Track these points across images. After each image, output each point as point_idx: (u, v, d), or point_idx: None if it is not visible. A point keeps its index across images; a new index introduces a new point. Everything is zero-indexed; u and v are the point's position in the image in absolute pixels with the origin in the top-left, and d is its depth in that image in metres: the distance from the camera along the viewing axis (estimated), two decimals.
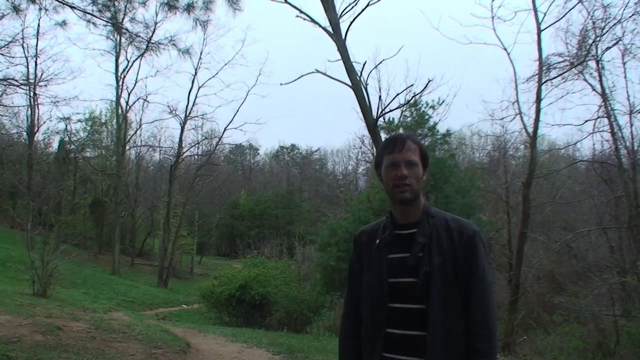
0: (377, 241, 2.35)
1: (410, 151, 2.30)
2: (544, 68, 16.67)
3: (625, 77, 16.81)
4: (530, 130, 17.13)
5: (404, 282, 2.23)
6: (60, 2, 7.87)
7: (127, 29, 8.50)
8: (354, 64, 12.88)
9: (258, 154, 76.22)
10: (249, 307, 18.06)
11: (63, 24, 8.64)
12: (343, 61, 12.69)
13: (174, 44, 8.91)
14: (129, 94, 37.63)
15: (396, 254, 2.28)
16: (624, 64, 16.70)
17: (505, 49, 17.57)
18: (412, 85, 19.75)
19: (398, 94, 14.12)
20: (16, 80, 18.50)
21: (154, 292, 27.52)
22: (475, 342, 2.11)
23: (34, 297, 12.34)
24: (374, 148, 19.25)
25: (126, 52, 35.16)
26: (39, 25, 29.57)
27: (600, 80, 16.69)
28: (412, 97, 18.27)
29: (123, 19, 8.61)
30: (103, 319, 9.60)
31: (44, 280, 12.96)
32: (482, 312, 2.14)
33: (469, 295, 2.17)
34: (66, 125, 39.45)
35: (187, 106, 38.17)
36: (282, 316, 17.24)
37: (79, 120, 40.18)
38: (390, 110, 13.88)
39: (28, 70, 30.53)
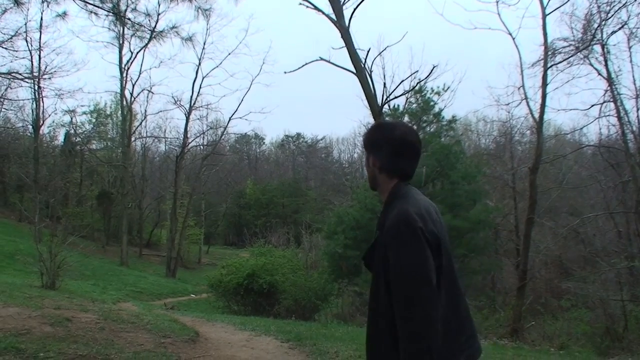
0: None
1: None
2: (550, 53, 16.56)
3: (631, 61, 16.76)
4: (537, 115, 17.05)
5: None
6: None
7: (129, 19, 8.47)
8: (358, 51, 12.85)
9: (263, 143, 76.32)
10: (256, 296, 18.12)
11: (63, 14, 8.62)
12: (347, 48, 12.66)
13: (176, 32, 8.89)
14: (133, 86, 37.62)
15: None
16: (630, 48, 16.64)
17: (510, 34, 17.45)
18: (417, 71, 19.72)
19: (403, 81, 14.18)
20: (20, 74, 18.52)
21: (162, 282, 27.64)
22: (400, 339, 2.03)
23: (43, 289, 12.39)
24: None
25: (129, 43, 35.12)
26: (41, 19, 29.53)
27: (606, 65, 16.61)
28: (417, 83, 18.24)
29: (125, 10, 8.59)
30: (112, 309, 9.64)
31: (53, 272, 13.00)
32: (396, 314, 2.04)
33: None
34: (71, 118, 39.60)
35: (191, 96, 38.16)
36: (290, 304, 17.29)
37: (84, 113, 40.31)
38: (395, 97, 13.94)
39: (32, 64, 30.63)
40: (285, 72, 14.02)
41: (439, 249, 2.12)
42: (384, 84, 14.76)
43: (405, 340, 1.99)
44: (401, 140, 2.28)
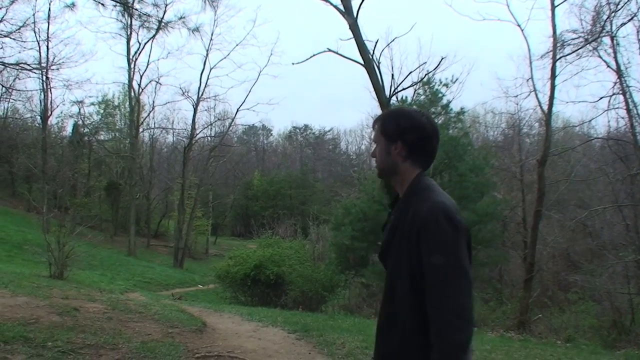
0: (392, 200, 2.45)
1: (374, 132, 2.35)
2: (558, 44, 16.46)
3: None
4: (545, 107, 16.97)
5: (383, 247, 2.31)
6: None
7: (137, 9, 8.47)
8: (366, 42, 12.82)
9: (271, 134, 76.30)
10: (264, 287, 18.17)
11: (72, 5, 8.63)
12: (355, 40, 12.63)
13: (184, 23, 8.89)
14: (141, 77, 37.63)
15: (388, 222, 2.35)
16: (639, 40, 16.48)
17: (519, 26, 17.39)
18: (425, 63, 19.67)
19: (411, 72, 14.17)
20: (29, 65, 18.47)
21: (169, 273, 27.76)
22: (432, 338, 2.01)
23: (51, 279, 12.46)
24: None
25: (137, 34, 35.08)
26: (49, 9, 29.48)
27: (615, 57, 16.45)
28: (425, 75, 18.23)
29: (133, 0, 8.58)
30: (120, 299, 9.69)
31: (61, 262, 13.07)
32: (432, 304, 2.03)
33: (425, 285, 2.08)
34: (79, 109, 39.64)
35: (199, 88, 38.17)
36: (297, 295, 17.34)
37: (92, 104, 40.31)
38: (403, 89, 13.92)
39: (40, 55, 30.53)
40: (293, 64, 14.08)
41: (469, 241, 2.14)
42: (392, 75, 14.79)
43: (446, 331, 1.98)
44: (431, 128, 2.27)
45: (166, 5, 10.10)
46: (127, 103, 39.42)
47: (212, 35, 36.19)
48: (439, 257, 2.03)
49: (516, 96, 19.90)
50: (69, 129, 42.48)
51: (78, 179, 39.92)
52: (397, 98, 19.60)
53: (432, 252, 2.04)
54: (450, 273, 2.02)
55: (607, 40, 16.56)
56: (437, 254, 2.04)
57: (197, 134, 40.72)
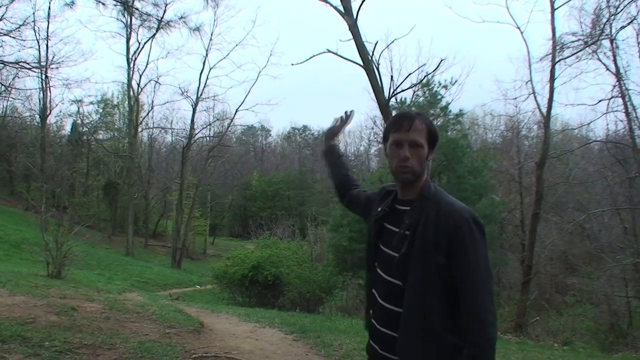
0: (379, 209, 2.42)
1: (417, 132, 2.24)
2: (558, 47, 16.51)
3: (639, 56, 16.62)
4: (544, 110, 17.01)
5: (388, 253, 2.28)
6: None
7: (137, 9, 8.46)
8: (365, 44, 12.83)
9: (270, 135, 76.49)
10: (261, 288, 18.17)
11: (72, 4, 8.62)
12: (355, 41, 12.64)
13: (184, 22, 8.89)
14: (140, 76, 37.68)
15: (390, 225, 2.33)
16: (639, 43, 16.51)
17: (518, 28, 17.44)
18: (424, 64, 19.64)
19: (410, 74, 14.16)
20: (28, 64, 18.49)
21: (167, 273, 27.74)
22: (469, 335, 2.09)
23: (49, 278, 12.42)
24: None
25: (137, 34, 35.16)
26: (49, 8, 29.59)
27: (615, 60, 16.49)
28: (424, 76, 18.22)
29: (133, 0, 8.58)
30: (117, 299, 9.67)
31: (58, 261, 13.02)
32: (471, 304, 2.10)
33: (458, 285, 2.13)
34: (78, 108, 39.71)
35: (198, 87, 38.25)
36: (294, 296, 17.33)
37: (91, 103, 40.42)
38: (402, 90, 13.89)
39: (39, 53, 30.54)
40: (292, 64, 14.05)
41: None
42: (391, 77, 14.82)
43: (485, 329, 2.08)
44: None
45: (166, 4, 10.11)
46: (126, 102, 39.47)
47: (211, 35, 36.33)
48: (475, 260, 2.11)
49: (515, 98, 19.97)
50: (67, 128, 42.57)
51: (76, 178, 39.89)
52: (396, 99, 19.58)
53: (468, 255, 2.12)
54: (484, 274, 2.13)
55: (606, 43, 16.63)
56: (473, 256, 2.11)
57: (196, 134, 40.76)
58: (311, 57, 13.51)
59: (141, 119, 40.41)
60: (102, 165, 43.95)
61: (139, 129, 40.76)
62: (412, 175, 2.25)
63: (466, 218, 2.14)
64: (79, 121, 41.02)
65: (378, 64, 12.88)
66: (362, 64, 12.77)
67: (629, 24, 15.98)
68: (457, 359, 2.11)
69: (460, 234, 2.12)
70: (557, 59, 16.37)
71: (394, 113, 13.42)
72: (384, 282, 2.29)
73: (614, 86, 16.57)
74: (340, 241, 20.90)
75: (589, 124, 21.30)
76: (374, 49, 12.85)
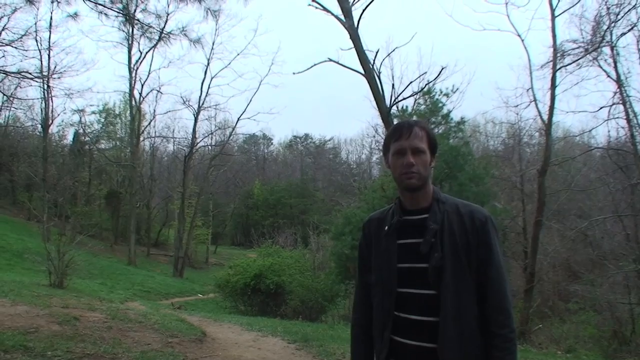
0: (386, 227, 2.34)
1: (417, 138, 2.25)
2: (559, 54, 16.54)
3: None
4: (545, 117, 17.02)
5: (414, 267, 2.22)
6: None
7: (138, 20, 8.49)
8: (366, 52, 12.84)
9: (271, 143, 76.54)
10: (264, 296, 18.15)
11: (75, 15, 8.66)
12: (356, 49, 12.65)
13: (185, 34, 8.90)
14: (142, 86, 37.65)
15: (405, 239, 2.27)
16: (639, 49, 16.52)
17: (519, 36, 17.48)
18: (426, 73, 19.62)
19: (411, 82, 14.11)
20: (30, 73, 18.58)
21: (169, 282, 27.69)
22: (496, 328, 2.13)
23: (51, 288, 12.44)
24: None
25: (139, 43, 35.17)
26: (51, 18, 29.78)
27: (615, 67, 16.49)
28: (426, 84, 18.19)
29: (135, 10, 8.61)
30: (119, 308, 9.68)
31: (61, 271, 13.05)
32: (499, 297, 2.16)
33: (485, 281, 2.17)
34: (80, 117, 39.76)
35: (200, 97, 38.22)
36: (297, 305, 17.31)
37: (93, 112, 40.52)
38: (404, 98, 13.90)
39: (41, 63, 30.72)
40: (294, 73, 14.01)
41: None
42: (393, 85, 14.73)
43: (511, 322, 2.17)
44: None
45: (167, 14, 10.14)
46: (128, 112, 39.50)
47: (213, 44, 36.32)
48: (498, 255, 2.22)
49: (516, 106, 19.98)
50: (69, 138, 42.56)
51: (78, 188, 39.90)
52: (397, 107, 19.66)
53: (494, 251, 2.21)
54: (504, 270, 2.23)
55: (607, 50, 16.64)
56: (497, 251, 2.21)
57: (197, 143, 40.75)
58: (312, 66, 13.51)
59: (143, 128, 40.44)
60: (104, 174, 43.97)
61: (141, 138, 40.80)
62: (418, 180, 2.24)
63: (487, 215, 2.25)
64: (81, 130, 41.10)
65: (379, 72, 12.88)
66: (363, 72, 12.78)
67: (629, 30, 16.00)
68: (488, 356, 2.15)
69: (485, 231, 2.21)
70: (558, 66, 16.40)
71: (395, 121, 13.46)
72: (414, 298, 2.23)
73: (615, 93, 16.58)
74: (342, 249, 20.84)
75: (590, 131, 21.34)
76: (375, 57, 12.85)
